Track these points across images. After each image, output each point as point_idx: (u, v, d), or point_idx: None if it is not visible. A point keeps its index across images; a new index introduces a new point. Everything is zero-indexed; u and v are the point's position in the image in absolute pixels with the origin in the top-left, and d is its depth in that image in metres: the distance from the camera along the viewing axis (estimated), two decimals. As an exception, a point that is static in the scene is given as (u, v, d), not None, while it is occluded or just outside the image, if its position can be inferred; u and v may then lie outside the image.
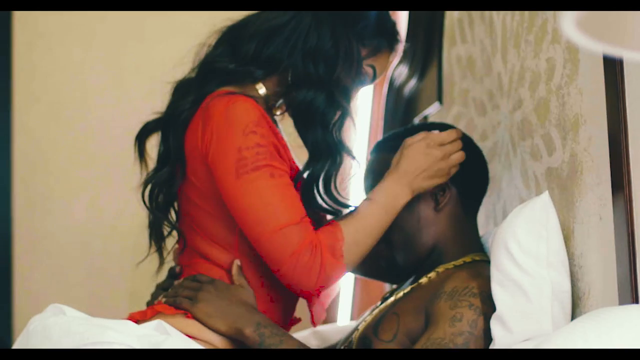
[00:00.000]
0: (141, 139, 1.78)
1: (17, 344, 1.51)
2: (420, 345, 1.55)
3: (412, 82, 2.48)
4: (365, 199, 1.68)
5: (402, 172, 1.66)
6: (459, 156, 1.71)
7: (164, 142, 1.72)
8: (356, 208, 1.67)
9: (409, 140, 1.70)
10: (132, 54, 3.47)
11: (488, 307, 1.57)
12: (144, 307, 1.71)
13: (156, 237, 1.77)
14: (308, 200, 1.67)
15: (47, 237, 3.39)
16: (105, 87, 3.45)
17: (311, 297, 1.64)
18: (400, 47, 1.80)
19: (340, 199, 1.70)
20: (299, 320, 1.81)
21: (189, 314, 1.60)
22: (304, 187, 1.67)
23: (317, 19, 1.68)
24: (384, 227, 1.66)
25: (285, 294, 1.69)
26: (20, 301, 3.34)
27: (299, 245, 1.56)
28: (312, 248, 1.57)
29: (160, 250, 1.77)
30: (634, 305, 1.33)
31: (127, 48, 3.48)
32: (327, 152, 1.67)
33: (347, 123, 1.71)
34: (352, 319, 3.02)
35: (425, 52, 2.42)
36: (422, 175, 1.67)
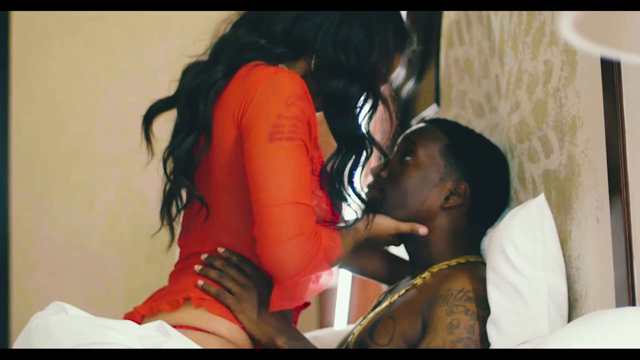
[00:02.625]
0: (148, 119, 1.75)
1: (18, 341, 1.51)
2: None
3: (410, 84, 2.48)
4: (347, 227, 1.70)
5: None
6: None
7: (187, 111, 1.67)
8: (347, 226, 1.67)
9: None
10: (130, 54, 3.47)
11: (483, 310, 1.57)
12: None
13: (168, 212, 1.72)
14: (332, 188, 1.64)
15: (44, 238, 3.40)
16: (103, 87, 3.45)
17: (287, 283, 1.57)
18: (408, 52, 1.79)
19: (362, 193, 1.69)
20: (308, 304, 1.77)
21: (196, 304, 1.58)
22: (329, 177, 1.64)
23: (349, 10, 1.67)
24: (348, 253, 1.69)
25: None
26: (17, 301, 3.34)
27: (305, 226, 1.52)
28: (315, 236, 1.54)
29: (171, 225, 1.72)
30: (631, 308, 1.33)
31: (125, 48, 3.48)
32: (355, 142, 1.65)
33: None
34: (349, 323, 3.02)
35: (423, 54, 2.42)
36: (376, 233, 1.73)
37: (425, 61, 2.42)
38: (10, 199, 3.37)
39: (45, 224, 3.39)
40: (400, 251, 1.92)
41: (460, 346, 1.53)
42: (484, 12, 2.02)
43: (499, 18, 1.93)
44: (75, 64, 3.47)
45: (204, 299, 1.58)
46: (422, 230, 1.73)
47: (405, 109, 2.52)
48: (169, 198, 1.71)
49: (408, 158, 1.76)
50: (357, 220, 1.68)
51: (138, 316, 1.61)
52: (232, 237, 1.64)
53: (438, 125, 1.82)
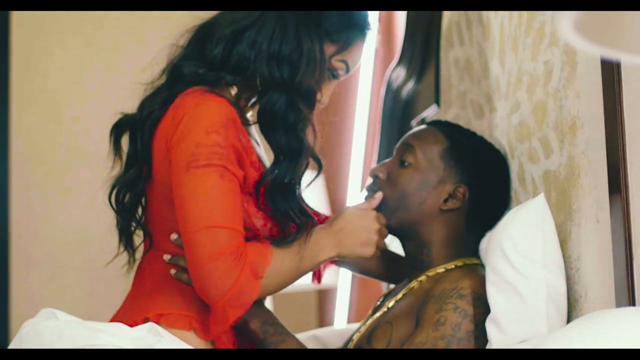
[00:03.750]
0: (117, 133, 1.78)
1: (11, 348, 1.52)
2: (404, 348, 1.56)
3: (410, 85, 2.48)
4: (299, 239, 1.66)
5: (336, 230, 1.67)
6: (383, 242, 1.72)
7: (132, 143, 1.72)
8: (288, 241, 1.65)
9: (352, 207, 1.72)
10: (130, 54, 3.47)
11: (476, 308, 1.57)
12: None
13: (125, 238, 1.79)
14: (272, 203, 1.65)
15: (44, 238, 3.39)
16: (102, 88, 3.45)
17: (216, 308, 1.58)
18: (372, 33, 1.78)
19: (302, 203, 1.68)
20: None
21: (154, 321, 1.60)
22: (268, 190, 1.65)
23: (282, 21, 1.66)
24: (301, 274, 1.65)
25: None
26: (17, 302, 3.34)
27: (223, 249, 1.54)
28: (236, 257, 1.55)
29: (131, 249, 1.78)
30: (631, 308, 1.33)
31: (125, 48, 3.48)
32: (290, 155, 1.65)
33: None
34: (349, 322, 3.02)
35: (423, 54, 2.42)
36: (352, 241, 1.67)
37: (425, 62, 2.42)
38: (10, 199, 3.37)
39: (44, 224, 3.39)
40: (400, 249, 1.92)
41: (442, 344, 1.53)
42: (484, 13, 2.02)
43: (499, 19, 1.93)
44: (75, 64, 3.47)
45: (162, 315, 1.61)
46: (378, 195, 1.74)
47: (405, 110, 2.52)
48: (123, 229, 1.78)
49: (407, 161, 1.77)
50: (296, 236, 1.66)
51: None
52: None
53: (439, 127, 1.82)
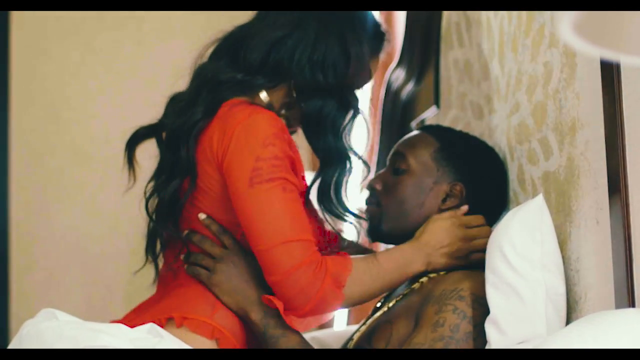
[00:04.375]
0: (132, 145, 1.78)
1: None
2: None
3: (410, 86, 2.48)
4: (383, 251, 1.68)
5: (423, 243, 1.68)
6: (482, 242, 1.71)
7: (169, 153, 1.70)
8: (373, 254, 1.67)
9: (436, 216, 1.72)
10: (130, 55, 3.47)
11: (475, 310, 1.57)
12: (140, 309, 1.71)
13: (152, 249, 1.76)
14: (324, 206, 1.67)
15: (44, 239, 3.39)
16: (103, 89, 3.45)
17: (299, 317, 1.62)
18: (388, 49, 1.82)
19: (349, 206, 1.70)
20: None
21: (178, 323, 1.60)
22: (318, 195, 1.67)
23: (324, 26, 1.68)
24: (388, 285, 1.66)
25: None
26: (17, 303, 3.34)
27: (301, 261, 1.55)
28: (315, 267, 1.56)
29: (156, 262, 1.77)
30: (631, 309, 1.33)
31: (125, 49, 3.48)
32: (338, 158, 1.68)
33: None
34: (348, 324, 3.01)
35: (423, 55, 2.42)
36: (440, 251, 1.68)
37: (425, 63, 2.42)
38: (10, 200, 3.37)
39: (45, 225, 3.39)
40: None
41: (439, 345, 1.53)
42: (484, 14, 2.02)
43: (498, 20, 1.93)
44: (75, 64, 3.47)
45: (186, 319, 1.60)
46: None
47: (404, 111, 2.52)
48: (152, 237, 1.76)
49: (400, 168, 1.78)
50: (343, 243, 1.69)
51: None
52: None
53: (428, 131, 1.84)
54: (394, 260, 1.65)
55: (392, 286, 1.66)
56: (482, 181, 1.79)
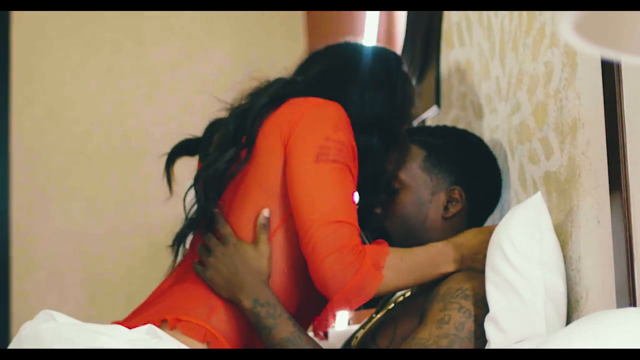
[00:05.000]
0: (172, 159, 1.79)
1: None
2: (406, 344, 1.55)
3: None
4: (418, 247, 1.68)
5: (458, 244, 1.67)
6: None
7: (232, 127, 1.71)
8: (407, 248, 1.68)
9: (474, 229, 1.72)
10: (130, 54, 3.47)
11: (480, 309, 1.57)
12: (141, 309, 1.71)
13: (182, 235, 1.75)
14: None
15: (44, 240, 3.39)
16: (103, 89, 3.45)
17: (336, 299, 1.59)
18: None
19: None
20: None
21: (171, 326, 1.59)
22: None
23: (373, 66, 1.78)
24: (420, 278, 1.64)
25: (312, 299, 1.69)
26: (17, 304, 3.34)
27: (347, 242, 1.56)
28: (356, 251, 1.57)
29: (178, 247, 1.75)
30: (632, 309, 1.33)
31: (125, 49, 3.48)
32: (375, 186, 1.74)
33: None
34: (349, 324, 3.01)
35: (424, 55, 2.42)
36: (473, 256, 1.67)
37: (426, 63, 2.42)
38: (10, 200, 3.37)
39: (45, 225, 3.39)
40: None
41: (444, 342, 1.53)
42: (484, 14, 2.02)
43: (499, 19, 1.93)
44: (76, 64, 3.47)
45: (180, 321, 1.60)
46: None
47: (405, 110, 2.52)
48: (194, 223, 1.73)
49: (395, 187, 1.76)
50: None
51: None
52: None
53: (411, 140, 1.80)
54: (429, 255, 1.65)
55: (423, 280, 1.65)
56: (477, 176, 1.78)
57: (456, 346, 1.53)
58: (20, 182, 3.39)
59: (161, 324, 1.59)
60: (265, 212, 1.64)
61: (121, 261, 3.33)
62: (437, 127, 1.89)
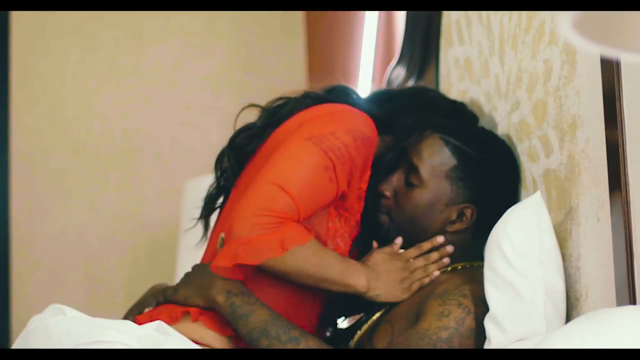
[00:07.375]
0: (208, 211, 1.80)
1: (17, 344, 1.52)
2: (405, 336, 1.55)
3: (410, 84, 2.48)
4: (339, 254, 1.67)
5: (371, 265, 1.66)
6: (421, 273, 1.68)
7: (265, 113, 1.76)
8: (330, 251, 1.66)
9: (377, 250, 1.70)
10: (130, 54, 3.47)
11: (479, 307, 1.56)
12: (141, 309, 1.71)
13: (208, 209, 1.78)
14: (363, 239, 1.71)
15: (44, 239, 3.40)
16: (103, 88, 3.45)
17: (229, 244, 1.57)
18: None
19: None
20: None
21: (193, 318, 1.59)
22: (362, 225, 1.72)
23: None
24: (323, 279, 1.61)
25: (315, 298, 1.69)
26: (17, 302, 3.34)
27: (275, 208, 1.54)
28: (277, 220, 1.54)
29: (207, 223, 1.78)
30: (632, 307, 1.33)
31: (125, 48, 3.48)
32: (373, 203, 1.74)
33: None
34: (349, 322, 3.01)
35: (423, 53, 2.42)
36: (385, 279, 1.66)
37: (425, 61, 2.41)
38: (10, 199, 3.37)
39: (45, 224, 3.39)
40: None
41: (445, 334, 1.52)
42: (484, 12, 2.02)
43: (498, 17, 1.93)
44: (75, 64, 3.47)
45: (202, 314, 1.60)
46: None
47: (405, 109, 2.52)
48: (217, 193, 1.77)
49: (413, 182, 1.71)
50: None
51: (138, 323, 1.61)
52: None
53: (444, 138, 1.73)
54: (342, 264, 1.63)
55: (325, 284, 1.62)
56: (494, 201, 1.71)
57: (455, 340, 1.53)
58: (20, 180, 3.39)
59: (183, 315, 1.59)
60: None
61: (121, 261, 3.33)
62: (479, 131, 1.83)
